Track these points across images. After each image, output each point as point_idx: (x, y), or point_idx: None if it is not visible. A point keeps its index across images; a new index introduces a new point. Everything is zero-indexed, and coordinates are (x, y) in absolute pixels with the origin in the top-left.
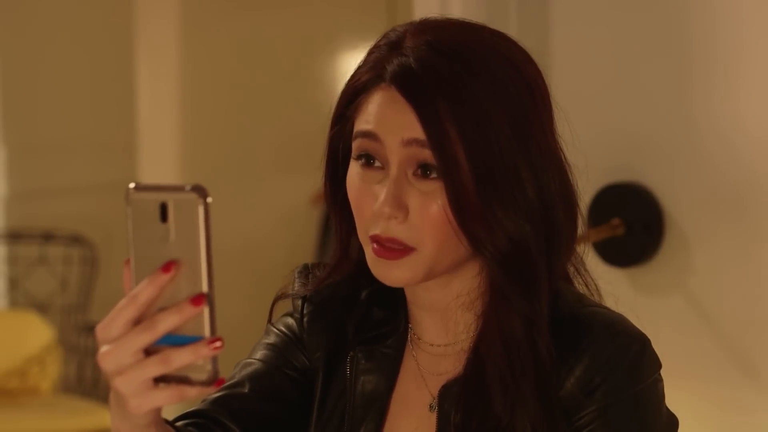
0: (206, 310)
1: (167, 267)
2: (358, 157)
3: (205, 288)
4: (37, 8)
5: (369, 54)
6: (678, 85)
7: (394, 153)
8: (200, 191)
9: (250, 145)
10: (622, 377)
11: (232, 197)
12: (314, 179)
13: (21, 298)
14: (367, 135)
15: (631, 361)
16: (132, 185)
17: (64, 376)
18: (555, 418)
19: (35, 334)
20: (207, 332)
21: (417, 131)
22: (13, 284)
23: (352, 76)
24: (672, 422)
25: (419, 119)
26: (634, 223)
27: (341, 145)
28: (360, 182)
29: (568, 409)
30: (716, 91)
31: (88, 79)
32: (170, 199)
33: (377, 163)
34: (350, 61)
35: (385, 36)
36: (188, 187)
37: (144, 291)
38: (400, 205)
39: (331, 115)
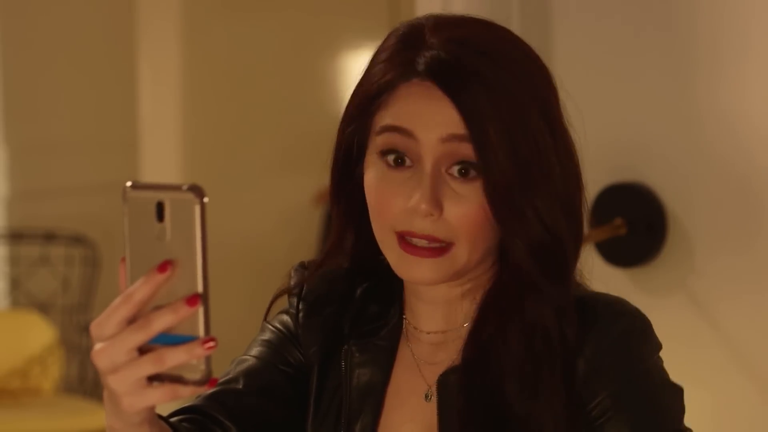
0: (201, 310)
1: (163, 267)
2: (384, 155)
3: (200, 288)
4: (39, 8)
5: (381, 52)
6: (681, 83)
7: (430, 150)
8: (197, 191)
9: (252, 145)
10: (631, 357)
11: (233, 197)
12: (316, 179)
13: (22, 298)
14: (399, 130)
15: (637, 340)
16: (129, 183)
17: (66, 377)
18: (575, 405)
19: (37, 334)
20: (201, 332)
21: (457, 127)
22: (15, 284)
23: (371, 75)
24: (679, 390)
25: (461, 113)
26: (637, 223)
27: (356, 140)
28: (383, 181)
29: (581, 394)
30: (720, 90)
31: (90, 79)
32: (167, 198)
33: (407, 162)
34: (352, 62)
35: (394, 35)
36: (185, 187)
37: (139, 290)
38: (437, 203)
39: (345, 112)
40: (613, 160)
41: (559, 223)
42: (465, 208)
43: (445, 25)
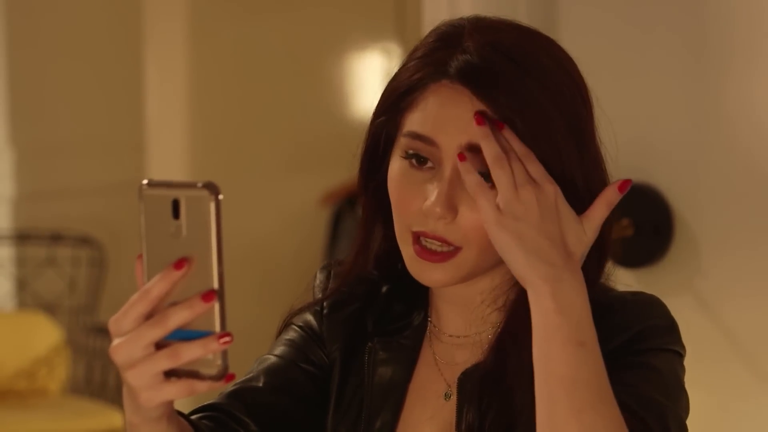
0: (216, 306)
1: (179, 264)
2: (407, 156)
3: (215, 284)
4: (46, 9)
5: (419, 48)
6: (689, 84)
7: (451, 156)
8: (212, 188)
9: (259, 145)
10: (657, 335)
11: (240, 198)
12: (323, 179)
13: (29, 299)
14: (421, 138)
15: (665, 328)
16: (145, 181)
17: (73, 378)
18: None
19: (43, 335)
20: (217, 327)
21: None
22: (22, 285)
23: (404, 70)
24: (687, 398)
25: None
26: (644, 224)
27: (384, 134)
28: (405, 179)
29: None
30: (728, 91)
31: (97, 80)
32: (182, 195)
33: (428, 164)
34: (358, 63)
35: (434, 32)
36: (200, 184)
37: (156, 286)
38: (451, 207)
39: (377, 104)
40: (619, 161)
41: None
42: (478, 215)
43: (485, 28)
